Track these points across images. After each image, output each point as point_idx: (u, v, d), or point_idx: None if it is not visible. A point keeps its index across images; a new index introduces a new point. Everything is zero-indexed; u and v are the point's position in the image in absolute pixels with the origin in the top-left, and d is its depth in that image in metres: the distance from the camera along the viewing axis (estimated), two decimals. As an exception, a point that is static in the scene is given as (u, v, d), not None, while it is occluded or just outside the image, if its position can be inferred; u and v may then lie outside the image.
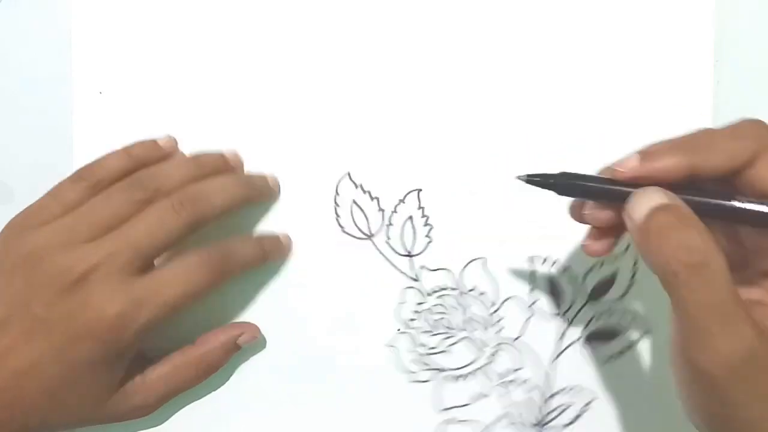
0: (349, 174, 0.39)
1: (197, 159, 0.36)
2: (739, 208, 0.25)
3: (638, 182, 0.27)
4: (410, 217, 0.38)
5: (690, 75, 0.38)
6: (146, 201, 0.33)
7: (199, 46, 0.39)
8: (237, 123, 0.39)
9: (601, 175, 0.29)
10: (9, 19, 0.40)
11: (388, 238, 0.39)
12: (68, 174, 0.36)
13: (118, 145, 0.38)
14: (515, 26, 0.38)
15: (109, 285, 0.31)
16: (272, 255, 0.37)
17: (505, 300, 0.38)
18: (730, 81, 0.38)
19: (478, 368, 0.38)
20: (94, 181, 0.34)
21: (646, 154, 0.27)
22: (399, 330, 0.38)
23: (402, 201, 0.38)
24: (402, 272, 0.38)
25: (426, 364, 0.39)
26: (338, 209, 0.39)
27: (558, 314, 0.38)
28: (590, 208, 0.29)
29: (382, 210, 0.39)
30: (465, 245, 0.38)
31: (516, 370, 0.38)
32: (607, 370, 0.38)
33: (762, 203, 0.25)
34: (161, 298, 0.32)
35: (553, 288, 0.38)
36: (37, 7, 0.40)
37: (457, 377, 0.39)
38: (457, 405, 0.39)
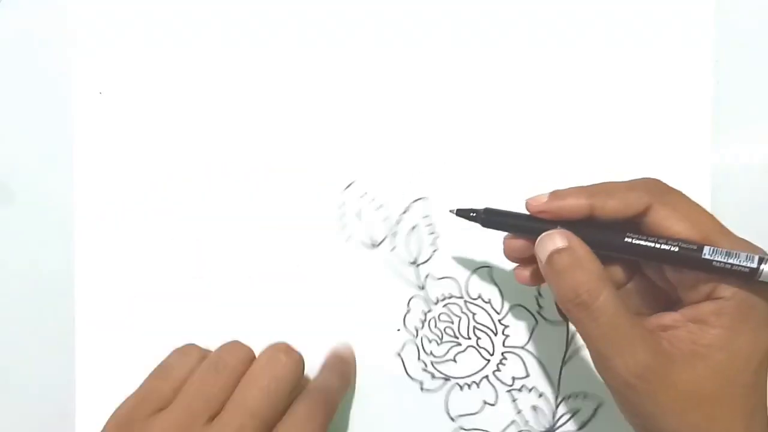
0: (354, 183, 0.39)
1: (281, 350, 0.34)
2: (630, 244, 0.29)
3: (548, 217, 0.30)
4: (415, 226, 0.38)
5: (690, 75, 0.38)
6: (231, 382, 0.32)
7: (199, 46, 0.39)
8: (237, 123, 0.39)
9: (519, 212, 0.32)
10: (9, 19, 0.40)
11: (394, 247, 0.39)
12: (68, 174, 0.37)
13: (117, 145, 0.38)
14: (517, 27, 0.39)
15: None
16: (353, 379, 0.37)
17: (512, 308, 0.38)
18: (730, 81, 0.38)
19: (486, 376, 0.38)
20: (194, 363, 0.33)
21: (554, 193, 0.30)
22: (405, 340, 0.38)
23: (407, 210, 0.39)
24: (408, 281, 0.39)
25: (435, 373, 0.38)
26: (343, 218, 0.39)
27: (564, 321, 0.38)
28: (507, 239, 0.33)
29: (387, 219, 0.39)
30: (470, 253, 0.38)
31: (523, 377, 0.38)
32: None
33: (648, 240, 0.29)
34: None
35: None
36: (37, 7, 0.40)
37: (466, 385, 0.39)
38: (467, 413, 0.38)
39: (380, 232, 0.39)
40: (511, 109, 0.39)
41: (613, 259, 0.32)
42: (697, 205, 0.30)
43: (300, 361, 0.33)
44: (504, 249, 0.33)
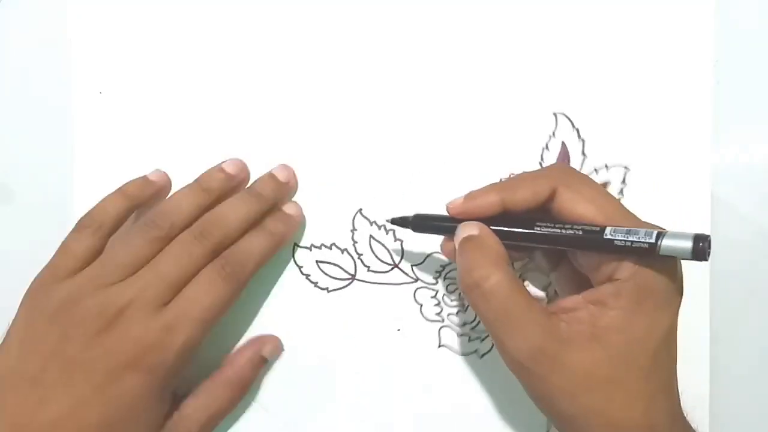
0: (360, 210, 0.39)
1: (201, 184, 0.36)
2: (539, 233, 0.30)
3: (465, 218, 0.32)
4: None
5: (690, 75, 0.38)
6: (164, 238, 0.34)
7: (199, 46, 0.39)
8: (237, 123, 0.39)
9: (443, 215, 0.33)
10: (9, 19, 0.40)
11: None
12: (68, 174, 0.37)
13: (117, 145, 0.38)
14: (516, 27, 0.39)
15: (143, 317, 0.32)
16: (285, 237, 0.37)
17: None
18: (730, 81, 0.38)
19: None
20: (96, 226, 0.35)
21: (468, 195, 0.32)
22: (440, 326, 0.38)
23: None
24: (405, 274, 0.39)
25: (479, 335, 0.38)
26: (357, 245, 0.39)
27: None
28: (443, 242, 0.34)
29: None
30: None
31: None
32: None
33: (555, 227, 0.29)
34: (190, 318, 0.33)
35: None
36: (37, 7, 0.40)
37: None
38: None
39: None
40: (509, 109, 0.39)
41: (534, 248, 0.34)
42: (602, 189, 0.31)
43: (220, 245, 0.34)
44: (442, 251, 0.35)
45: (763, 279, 0.39)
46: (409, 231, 0.35)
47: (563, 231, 0.29)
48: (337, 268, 0.39)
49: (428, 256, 0.38)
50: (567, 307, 0.29)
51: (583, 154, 0.38)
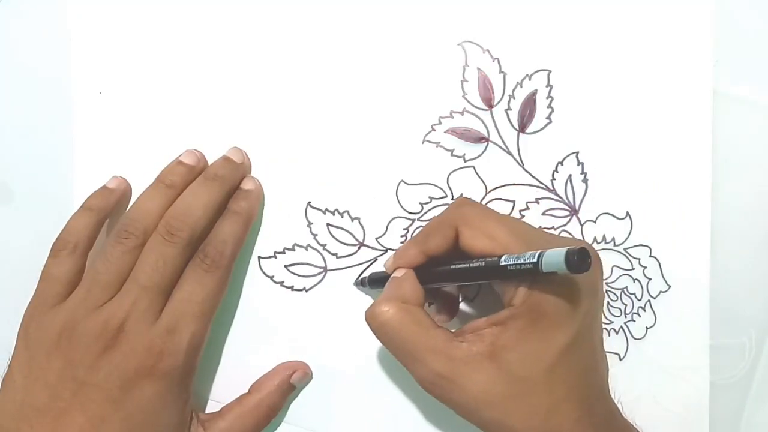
0: (309, 203, 0.39)
1: (163, 181, 0.36)
2: (453, 269, 0.32)
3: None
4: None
5: (690, 75, 0.38)
6: (140, 245, 0.34)
7: (199, 46, 0.39)
8: (237, 123, 0.39)
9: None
10: (9, 19, 0.40)
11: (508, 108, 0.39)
12: (68, 174, 0.37)
13: (117, 145, 0.38)
14: (516, 27, 0.38)
15: (143, 327, 0.33)
16: (252, 212, 0.37)
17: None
18: (730, 81, 0.38)
19: None
20: (71, 248, 0.35)
21: (396, 255, 0.35)
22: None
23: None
24: (372, 249, 0.37)
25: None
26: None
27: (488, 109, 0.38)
28: None
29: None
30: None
31: None
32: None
33: (464, 262, 0.32)
34: (190, 315, 0.34)
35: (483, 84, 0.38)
36: (37, 7, 0.40)
37: None
38: None
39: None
40: (508, 108, 0.38)
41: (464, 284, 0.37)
42: (502, 219, 0.33)
43: (191, 238, 0.34)
44: None
45: (763, 279, 0.39)
46: (364, 209, 0.38)
47: (471, 265, 0.32)
48: (306, 266, 0.39)
49: (389, 223, 0.38)
50: (473, 327, 0.31)
51: (501, 72, 0.38)
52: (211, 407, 0.38)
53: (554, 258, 0.27)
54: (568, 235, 0.38)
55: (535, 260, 0.28)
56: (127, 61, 0.39)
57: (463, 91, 0.38)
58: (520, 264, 0.29)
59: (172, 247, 0.34)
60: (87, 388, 0.32)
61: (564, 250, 0.27)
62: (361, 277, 0.38)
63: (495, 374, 0.30)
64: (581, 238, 0.38)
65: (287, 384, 0.37)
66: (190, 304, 0.34)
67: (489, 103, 0.38)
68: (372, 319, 0.32)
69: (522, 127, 0.38)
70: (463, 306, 0.38)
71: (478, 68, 0.38)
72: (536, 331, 0.30)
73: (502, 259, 0.30)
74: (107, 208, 0.37)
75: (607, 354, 0.35)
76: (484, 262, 0.31)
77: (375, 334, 0.32)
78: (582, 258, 0.27)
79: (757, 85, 0.39)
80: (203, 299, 0.34)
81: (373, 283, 0.37)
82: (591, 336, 0.32)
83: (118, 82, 0.39)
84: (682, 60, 0.38)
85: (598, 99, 0.38)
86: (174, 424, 0.34)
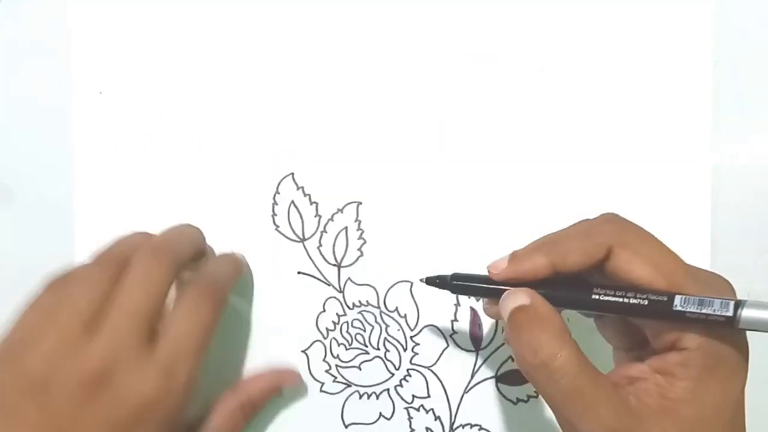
0: (293, 174, 0.39)
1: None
2: (597, 300, 0.28)
3: (512, 283, 0.29)
4: (345, 228, 0.38)
5: (690, 75, 0.38)
6: (121, 272, 0.31)
7: (199, 46, 0.39)
8: (237, 123, 0.39)
9: (485, 275, 0.31)
10: (9, 19, 0.40)
11: (320, 245, 0.38)
12: (68, 174, 0.37)
13: (117, 144, 0.38)
14: (515, 26, 0.38)
15: (135, 367, 0.29)
16: (243, 268, 0.37)
17: (425, 327, 0.38)
18: (730, 81, 0.38)
19: (387, 389, 0.38)
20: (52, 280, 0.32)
21: (513, 256, 0.29)
22: (314, 339, 0.38)
23: (340, 210, 0.38)
24: (327, 282, 0.38)
25: (337, 376, 0.38)
26: (276, 207, 0.39)
27: (474, 350, 0.38)
28: (485, 304, 0.32)
29: (319, 215, 0.39)
30: (395, 266, 0.38)
31: (424, 397, 0.38)
32: (512, 413, 0.38)
33: (616, 294, 0.27)
34: (188, 353, 0.31)
35: (474, 323, 0.38)
36: (37, 7, 0.40)
37: (366, 395, 0.38)
38: (361, 422, 0.38)
39: (310, 227, 0.39)
40: (508, 108, 0.38)
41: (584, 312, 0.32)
42: (661, 245, 0.28)
43: (179, 262, 0.32)
44: (486, 313, 0.33)
45: (763, 278, 0.39)
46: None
47: (625, 300, 0.27)
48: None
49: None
50: (632, 376, 0.28)
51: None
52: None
53: (759, 314, 0.24)
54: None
55: (730, 314, 0.25)
56: (127, 61, 0.39)
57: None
58: (706, 314, 0.25)
59: (159, 268, 0.31)
60: None
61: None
62: (437, 276, 0.33)
63: (674, 430, 0.26)
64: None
65: (276, 389, 0.37)
66: (188, 340, 0.31)
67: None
68: (543, 367, 0.27)
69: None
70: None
71: None
72: (713, 383, 0.26)
73: (677, 302, 0.26)
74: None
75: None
76: (647, 301, 0.26)
77: (542, 384, 0.27)
78: None
79: (757, 85, 0.38)
80: (201, 335, 0.31)
81: (461, 287, 0.31)
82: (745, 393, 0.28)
83: (118, 82, 0.39)
84: (682, 60, 0.38)
85: (597, 99, 0.38)
86: None
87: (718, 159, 0.38)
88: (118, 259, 0.31)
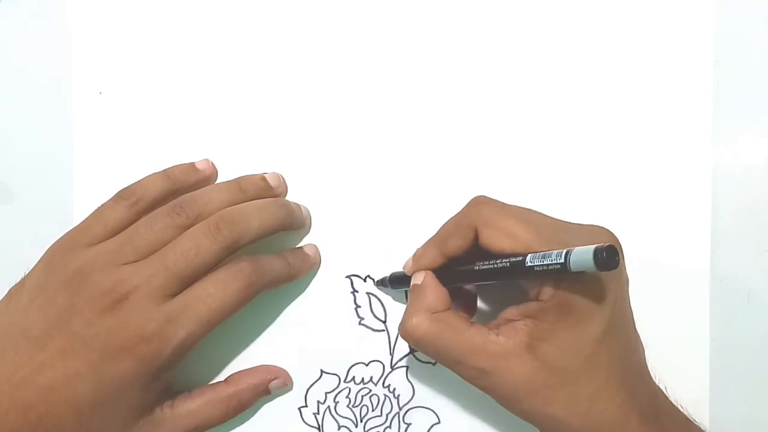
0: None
1: (239, 183, 0.36)
2: (478, 270, 0.32)
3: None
4: None
5: (690, 75, 0.38)
6: (187, 227, 0.34)
7: (199, 46, 0.39)
8: (237, 123, 0.39)
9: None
10: (9, 19, 0.40)
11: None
12: (68, 174, 0.37)
13: (117, 145, 0.38)
14: (515, 26, 0.39)
15: (147, 305, 0.32)
16: (300, 273, 0.37)
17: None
18: (730, 81, 0.38)
19: None
20: (133, 200, 0.35)
21: (415, 257, 0.35)
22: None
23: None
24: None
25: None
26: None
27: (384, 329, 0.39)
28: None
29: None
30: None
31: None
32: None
33: (489, 263, 0.32)
34: (196, 314, 0.32)
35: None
36: (37, 7, 0.40)
37: None
38: None
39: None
40: (509, 109, 0.39)
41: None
42: (521, 215, 0.33)
43: (234, 245, 0.34)
44: None
45: (763, 279, 0.39)
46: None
47: (495, 265, 0.32)
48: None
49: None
50: (506, 318, 0.32)
51: None
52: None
53: (582, 257, 0.27)
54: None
55: (562, 261, 0.28)
56: (127, 61, 0.39)
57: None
58: (547, 265, 0.29)
59: (212, 243, 0.33)
60: (76, 341, 0.32)
61: (592, 248, 0.27)
62: (381, 278, 0.38)
63: (534, 366, 0.31)
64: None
65: (264, 386, 0.37)
66: (202, 305, 0.33)
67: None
68: (409, 335, 0.33)
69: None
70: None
71: None
72: (568, 325, 0.31)
73: (527, 259, 0.30)
74: (185, 183, 0.37)
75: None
76: (508, 263, 0.31)
77: (415, 347, 0.34)
78: (610, 255, 0.26)
79: (757, 85, 0.39)
80: (217, 307, 0.33)
81: (395, 282, 0.38)
82: (622, 321, 0.32)
83: (118, 82, 0.39)
84: (683, 60, 0.38)
85: (597, 99, 0.38)
86: (138, 405, 0.33)
87: (718, 159, 0.38)
88: (192, 214, 0.34)
